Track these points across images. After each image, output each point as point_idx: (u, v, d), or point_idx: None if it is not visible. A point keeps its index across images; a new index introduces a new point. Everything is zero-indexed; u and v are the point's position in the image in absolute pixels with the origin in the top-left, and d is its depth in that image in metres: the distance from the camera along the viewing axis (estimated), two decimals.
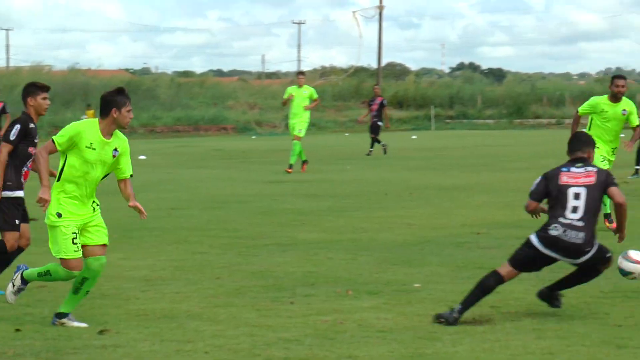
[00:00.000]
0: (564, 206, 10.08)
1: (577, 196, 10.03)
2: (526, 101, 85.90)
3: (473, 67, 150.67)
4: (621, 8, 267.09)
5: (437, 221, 18.00)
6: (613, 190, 10.00)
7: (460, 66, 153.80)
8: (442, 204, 20.90)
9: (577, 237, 9.89)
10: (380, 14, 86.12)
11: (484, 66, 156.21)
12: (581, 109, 16.69)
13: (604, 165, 15.86)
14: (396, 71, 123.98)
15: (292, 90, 29.97)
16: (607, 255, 10.07)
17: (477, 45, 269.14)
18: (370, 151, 38.49)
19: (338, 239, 15.68)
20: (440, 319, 9.82)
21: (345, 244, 15.15)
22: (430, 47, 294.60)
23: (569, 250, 9.91)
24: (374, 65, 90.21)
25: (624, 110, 16.24)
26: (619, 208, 10.02)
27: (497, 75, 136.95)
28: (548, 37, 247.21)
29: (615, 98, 16.32)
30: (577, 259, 9.96)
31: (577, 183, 10.08)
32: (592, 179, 10.06)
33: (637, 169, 26.65)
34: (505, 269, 10.11)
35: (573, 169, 10.20)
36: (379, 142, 38.63)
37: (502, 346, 8.76)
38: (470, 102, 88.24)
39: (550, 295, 10.35)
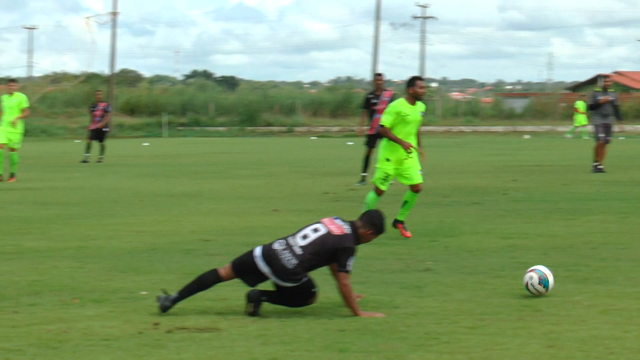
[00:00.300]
0: (300, 231, 10.35)
1: (315, 230, 10.36)
2: (258, 109, 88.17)
3: (206, 74, 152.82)
4: (352, 18, 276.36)
5: (166, 228, 18.08)
6: (338, 275, 10.33)
7: (194, 74, 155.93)
8: (172, 211, 20.98)
9: (289, 262, 10.20)
10: (114, 20, 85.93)
11: (218, 74, 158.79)
12: (387, 122, 16.23)
13: (384, 185, 16.40)
14: (129, 78, 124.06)
15: (4, 99, 29.42)
16: (313, 290, 10.42)
17: (211, 53, 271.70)
18: (101, 157, 38.32)
19: (65, 247, 15.46)
20: (158, 301, 10.19)
21: (72, 252, 14.94)
22: (164, 54, 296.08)
23: (277, 269, 10.25)
24: (107, 71, 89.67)
25: (422, 111, 16.47)
26: (341, 292, 10.40)
27: (230, 83, 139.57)
28: (280, 46, 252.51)
29: (414, 100, 16.31)
30: (280, 281, 10.29)
31: (326, 225, 10.38)
32: (337, 232, 10.37)
33: (363, 176, 27.29)
34: (224, 270, 10.38)
35: (338, 221, 10.55)
36: (88, 148, 38.81)
37: (227, 352, 8.84)
38: (202, 110, 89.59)
39: (256, 299, 10.49)
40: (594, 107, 30.59)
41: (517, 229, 17.42)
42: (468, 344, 8.96)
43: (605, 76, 32.82)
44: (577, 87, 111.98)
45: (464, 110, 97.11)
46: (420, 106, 16.38)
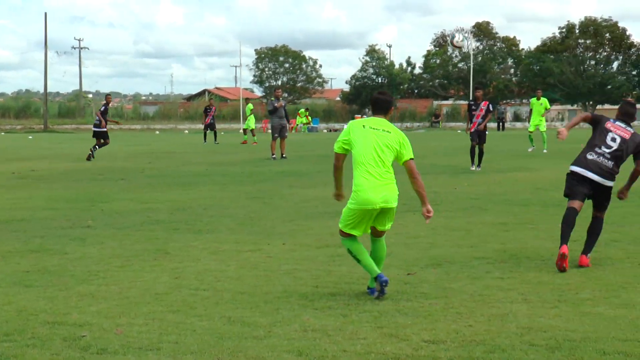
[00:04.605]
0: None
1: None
2: None
3: None
4: (27, 47, 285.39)
5: None
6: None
7: None
8: None
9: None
10: None
11: None
12: None
13: None
14: None
15: None
16: None
17: None
18: None
19: None
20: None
21: None
22: None
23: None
24: None
25: None
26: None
27: None
28: None
29: None
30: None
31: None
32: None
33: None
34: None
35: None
36: None
37: None
38: None
39: None
40: (272, 112, 30.54)
41: (152, 197, 17.96)
42: (118, 278, 9.42)
43: (275, 88, 32.96)
44: (190, 98, 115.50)
45: (112, 114, 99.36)
46: None
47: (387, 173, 8.08)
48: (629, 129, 10.12)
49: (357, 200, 8.08)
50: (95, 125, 31.15)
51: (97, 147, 30.75)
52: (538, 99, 34.38)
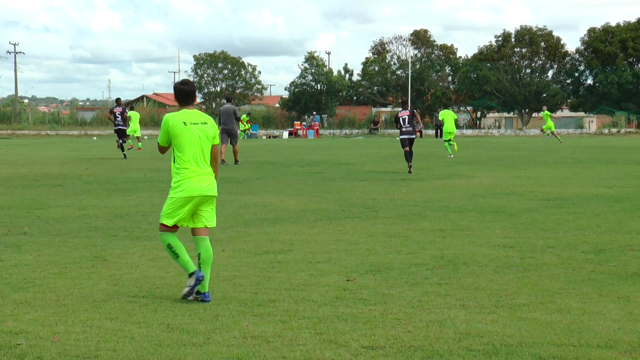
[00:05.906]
0: None
1: None
2: None
3: None
4: None
5: None
6: None
7: None
8: None
9: None
10: None
11: None
12: None
13: None
14: None
15: None
16: None
17: None
18: None
19: None
20: None
21: None
22: None
23: None
24: None
25: None
26: None
27: None
28: None
29: None
30: None
31: None
32: None
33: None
34: None
35: None
36: None
37: None
38: None
39: None
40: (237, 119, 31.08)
41: (89, 203, 17.80)
42: (55, 285, 9.29)
43: (229, 96, 32.82)
44: (129, 104, 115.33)
45: (49, 119, 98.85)
46: None
47: (207, 164, 8.63)
48: None
49: (180, 189, 8.48)
50: (117, 125, 36.24)
51: (123, 142, 35.81)
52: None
